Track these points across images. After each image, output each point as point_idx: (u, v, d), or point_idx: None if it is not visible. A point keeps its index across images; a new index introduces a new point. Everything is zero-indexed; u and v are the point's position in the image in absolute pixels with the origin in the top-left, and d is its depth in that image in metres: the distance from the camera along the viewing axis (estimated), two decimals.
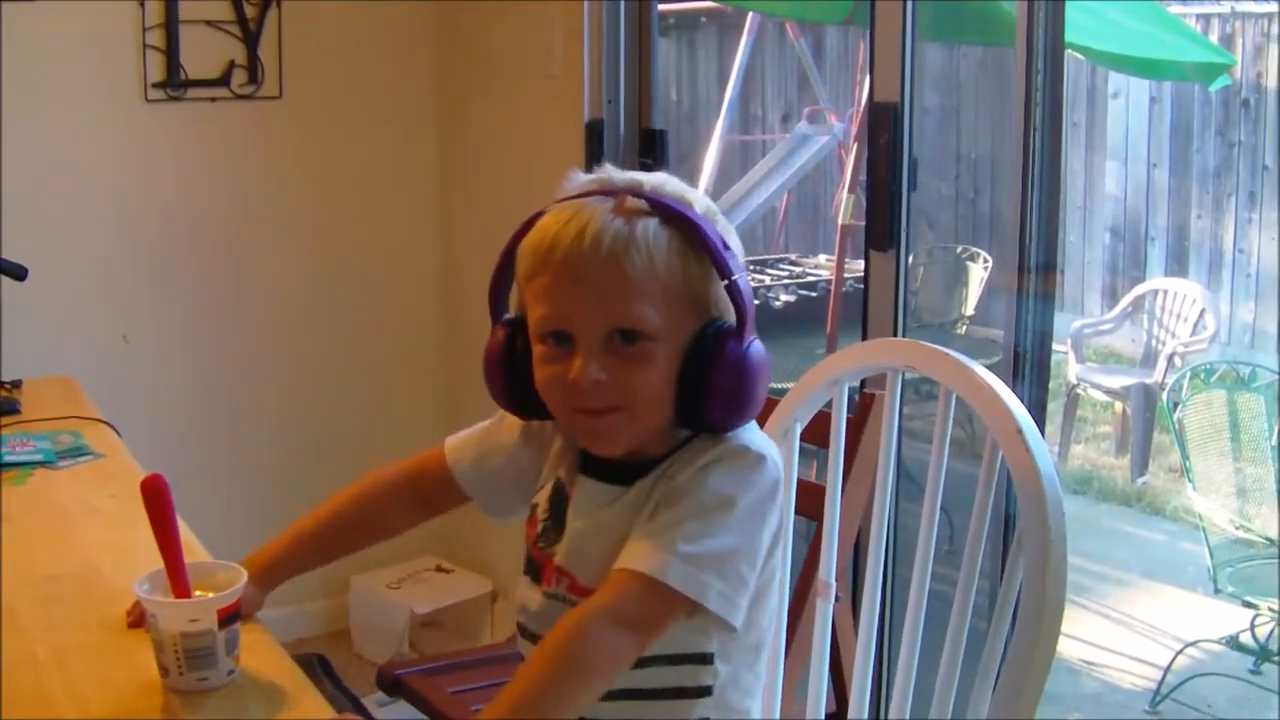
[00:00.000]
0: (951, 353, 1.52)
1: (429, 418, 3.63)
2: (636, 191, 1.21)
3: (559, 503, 1.31)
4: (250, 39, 3.25)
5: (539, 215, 1.23)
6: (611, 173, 1.24)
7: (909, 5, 2.28)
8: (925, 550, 1.51)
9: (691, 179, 1.20)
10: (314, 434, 3.51)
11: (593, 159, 2.95)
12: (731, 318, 1.21)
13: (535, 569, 1.32)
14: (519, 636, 1.34)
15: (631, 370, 1.18)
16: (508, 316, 1.28)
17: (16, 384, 2.36)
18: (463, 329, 3.54)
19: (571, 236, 1.18)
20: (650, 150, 3.00)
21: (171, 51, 3.16)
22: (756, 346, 1.21)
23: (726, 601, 1.16)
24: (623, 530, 1.22)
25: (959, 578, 1.44)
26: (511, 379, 1.26)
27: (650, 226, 1.18)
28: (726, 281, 1.19)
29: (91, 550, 1.62)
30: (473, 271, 3.46)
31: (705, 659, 1.24)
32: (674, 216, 1.19)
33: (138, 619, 1.34)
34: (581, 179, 1.25)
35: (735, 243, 1.23)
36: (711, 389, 1.19)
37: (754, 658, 1.29)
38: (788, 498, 1.53)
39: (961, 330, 5.61)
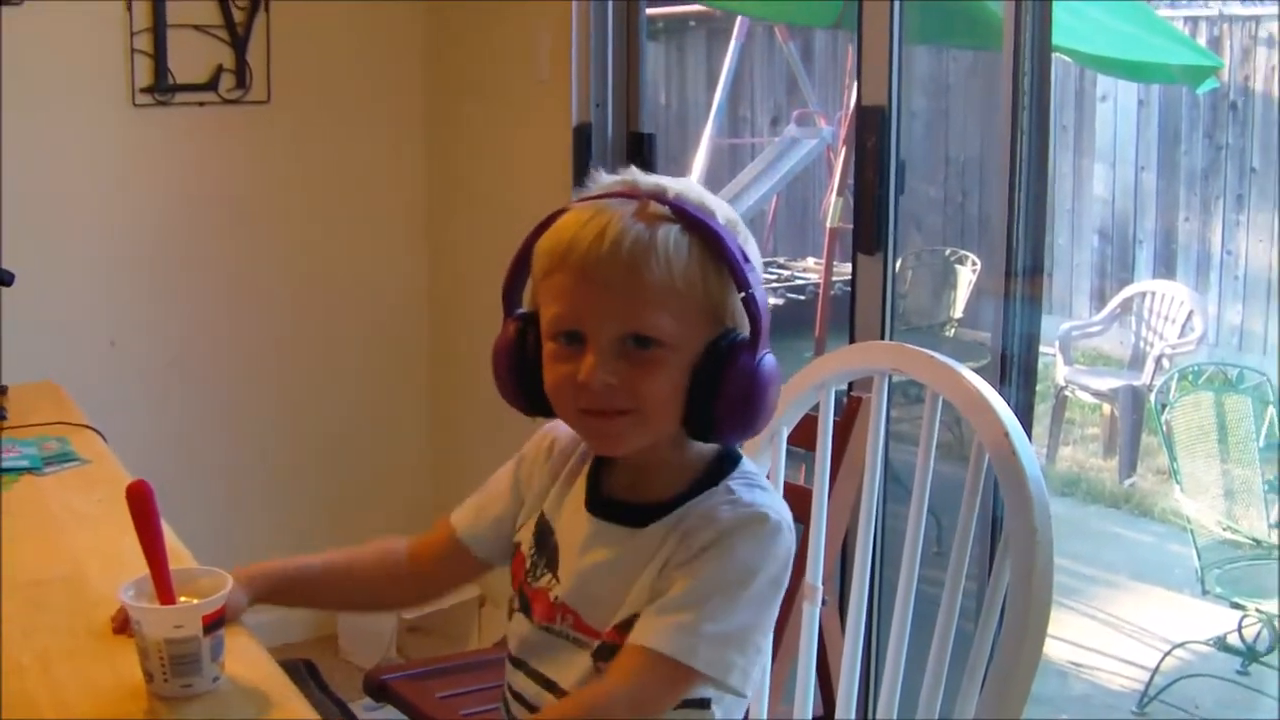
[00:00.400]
0: (938, 356, 1.52)
1: (419, 422, 3.63)
2: (659, 197, 1.20)
3: (544, 536, 1.31)
4: (238, 43, 3.25)
5: (560, 213, 1.22)
6: (636, 175, 1.23)
7: (896, 8, 2.28)
8: (912, 553, 1.51)
9: None
10: (301, 438, 3.50)
11: (581, 163, 2.95)
12: (746, 329, 1.20)
13: (526, 604, 1.31)
14: (508, 664, 1.34)
15: (642, 375, 1.18)
16: (520, 311, 1.27)
17: (3, 390, 2.35)
18: (452, 331, 3.53)
19: (591, 238, 1.17)
20: (638, 154, 3.00)
21: (159, 56, 3.16)
22: (769, 360, 1.21)
23: (744, 676, 1.19)
24: (631, 573, 1.22)
25: (946, 580, 1.45)
26: (520, 375, 1.26)
27: (671, 233, 1.18)
28: (743, 294, 1.18)
29: (77, 556, 1.62)
30: (462, 273, 3.46)
31: (704, 704, 1.24)
32: (695, 224, 1.18)
33: (123, 625, 1.34)
34: (605, 179, 1.25)
35: (755, 253, 1.23)
36: (721, 400, 1.19)
37: (744, 701, 1.29)
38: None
39: (950, 333, 5.62)
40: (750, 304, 1.18)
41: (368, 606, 1.54)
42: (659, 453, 1.24)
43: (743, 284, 1.18)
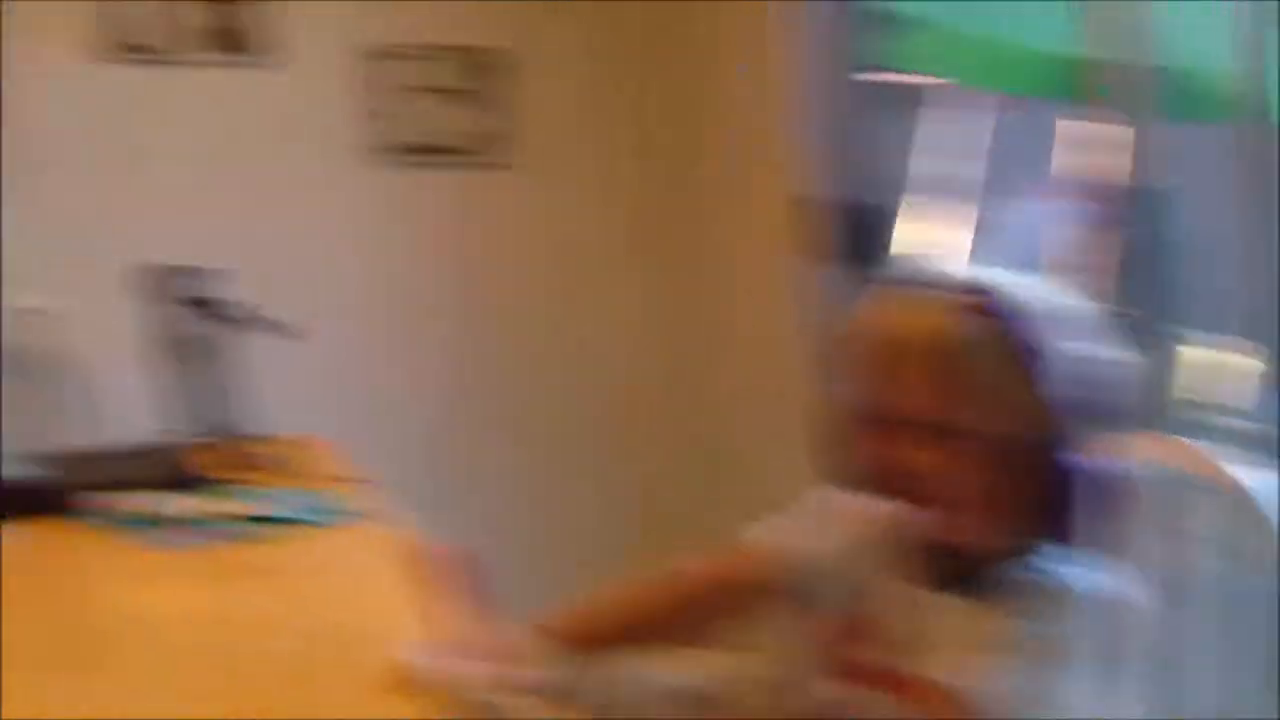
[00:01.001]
0: (1223, 459, 1.46)
1: (665, 478, 3.52)
2: (973, 289, 1.22)
3: (900, 612, 1.31)
4: (480, 107, 3.28)
5: (878, 301, 1.26)
6: (951, 268, 1.27)
7: (1152, 85, 2.22)
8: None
9: None
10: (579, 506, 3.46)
11: (806, 235, 2.92)
12: (1064, 426, 1.20)
13: (858, 675, 1.32)
14: None
15: (947, 466, 1.19)
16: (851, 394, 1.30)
17: (274, 440, 2.44)
18: (689, 400, 3.47)
19: (902, 328, 1.20)
20: (864, 226, 2.96)
21: (400, 117, 3.21)
22: (1084, 462, 1.21)
23: None
24: (968, 642, 1.23)
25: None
26: (847, 453, 1.29)
27: (981, 327, 1.19)
28: (1049, 392, 1.19)
29: (356, 610, 1.66)
30: (690, 344, 3.41)
31: None
32: (1007, 318, 1.20)
33: (412, 684, 1.35)
34: (923, 271, 1.28)
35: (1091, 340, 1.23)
36: (1031, 500, 1.19)
37: None
38: None
39: (1224, 423, 5.37)
40: (1056, 404, 1.18)
41: (682, 641, 1.56)
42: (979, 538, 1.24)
43: (1049, 382, 1.18)
